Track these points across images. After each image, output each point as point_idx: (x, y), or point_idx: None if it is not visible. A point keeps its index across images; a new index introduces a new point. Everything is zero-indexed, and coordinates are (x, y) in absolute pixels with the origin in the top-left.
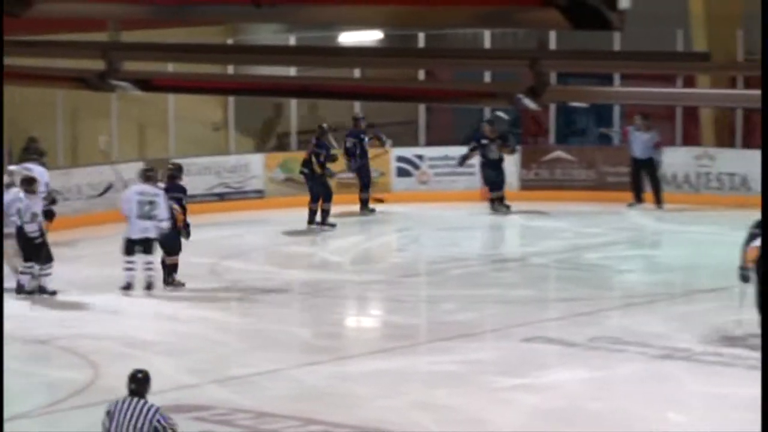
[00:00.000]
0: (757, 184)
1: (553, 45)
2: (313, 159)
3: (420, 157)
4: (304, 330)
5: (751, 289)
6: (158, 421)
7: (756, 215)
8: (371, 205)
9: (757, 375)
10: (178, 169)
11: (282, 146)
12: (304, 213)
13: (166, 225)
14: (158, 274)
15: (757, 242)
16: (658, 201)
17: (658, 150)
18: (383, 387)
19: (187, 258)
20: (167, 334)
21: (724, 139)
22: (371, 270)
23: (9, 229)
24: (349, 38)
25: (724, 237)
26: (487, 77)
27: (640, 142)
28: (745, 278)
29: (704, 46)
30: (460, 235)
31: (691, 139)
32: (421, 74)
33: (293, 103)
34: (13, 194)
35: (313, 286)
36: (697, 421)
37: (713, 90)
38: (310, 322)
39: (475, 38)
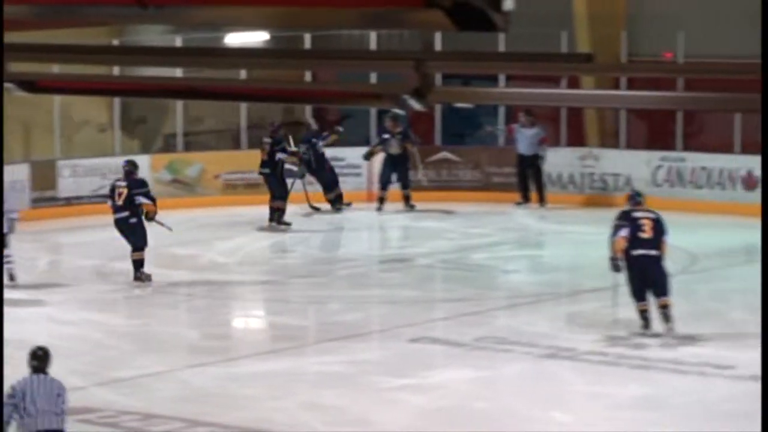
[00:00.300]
0: (639, 183)
1: (438, 46)
2: (283, 155)
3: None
4: (191, 331)
5: (622, 279)
6: (64, 395)
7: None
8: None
9: (641, 374)
10: (133, 165)
11: (168, 147)
12: (192, 214)
13: (15, 216)
14: (16, 266)
15: (623, 233)
16: (542, 200)
17: (543, 146)
18: (271, 388)
19: (74, 260)
20: (53, 337)
21: (608, 140)
22: (258, 271)
23: None
24: (235, 39)
25: (608, 237)
26: (374, 78)
27: (525, 139)
28: (616, 268)
29: (588, 47)
30: (347, 235)
31: (575, 139)
32: (308, 75)
33: (179, 104)
34: None
35: (201, 288)
36: (582, 420)
37: (597, 91)
38: (197, 323)
39: (361, 39)
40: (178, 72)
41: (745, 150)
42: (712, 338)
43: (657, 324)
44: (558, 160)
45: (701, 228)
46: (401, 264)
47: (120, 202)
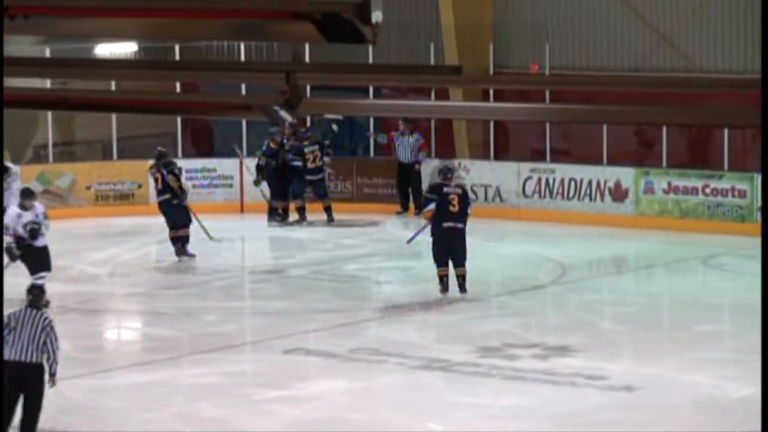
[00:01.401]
0: (509, 195)
1: (308, 58)
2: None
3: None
4: (63, 343)
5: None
6: (48, 330)
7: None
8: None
9: (514, 385)
10: (161, 153)
11: (38, 158)
12: (63, 225)
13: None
14: None
15: (431, 205)
16: (419, 208)
17: (423, 152)
18: (145, 400)
19: None
20: None
21: (478, 151)
22: (130, 282)
23: None
24: (105, 50)
25: (479, 248)
26: (243, 90)
27: (404, 146)
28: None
29: (456, 58)
30: (219, 246)
31: (445, 151)
32: (178, 87)
33: (49, 115)
34: None
35: (72, 299)
36: (457, 430)
37: (465, 102)
38: (69, 335)
39: (230, 51)
40: (47, 83)
41: (612, 161)
42: (584, 349)
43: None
44: (428, 172)
45: (571, 239)
46: (274, 275)
47: (159, 187)
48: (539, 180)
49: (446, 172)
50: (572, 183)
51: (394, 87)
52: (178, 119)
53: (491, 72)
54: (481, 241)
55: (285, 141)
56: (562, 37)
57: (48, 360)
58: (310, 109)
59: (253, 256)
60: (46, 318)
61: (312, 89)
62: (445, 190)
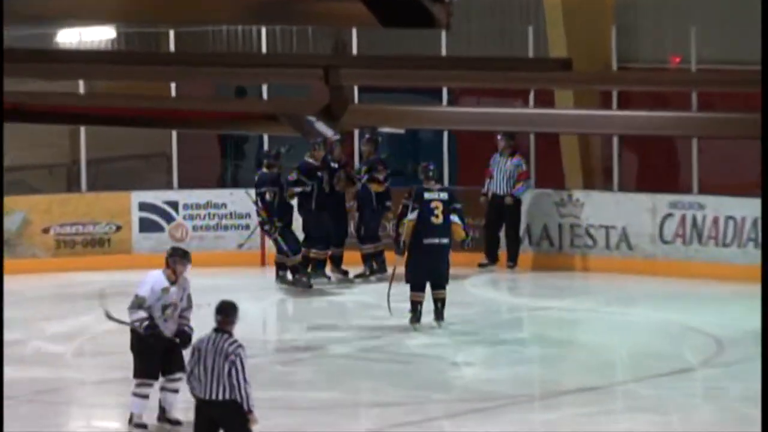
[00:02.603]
0: (640, 239)
1: (354, 48)
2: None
3: (173, 204)
4: None
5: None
6: (233, 358)
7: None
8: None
9: None
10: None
11: None
12: (12, 284)
13: None
14: None
15: (412, 215)
16: (513, 259)
17: (523, 182)
18: None
19: None
20: None
21: (595, 180)
22: (105, 365)
23: None
24: (70, 37)
25: (598, 315)
26: (266, 94)
27: (502, 172)
28: (401, 251)
29: (563, 48)
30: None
31: (550, 179)
32: (173, 89)
33: None
34: None
35: (23, 388)
36: None
37: (577, 110)
38: None
39: (247, 38)
40: None
41: None
42: None
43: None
44: (528, 207)
45: (729, 302)
46: (309, 354)
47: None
48: (683, 219)
49: (427, 172)
50: (730, 223)
51: (477, 89)
52: (173, 135)
53: (613, 67)
54: (602, 306)
55: (329, 159)
56: (714, 20)
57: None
58: (358, 120)
59: (279, 326)
60: (233, 342)
61: (361, 91)
62: (427, 196)
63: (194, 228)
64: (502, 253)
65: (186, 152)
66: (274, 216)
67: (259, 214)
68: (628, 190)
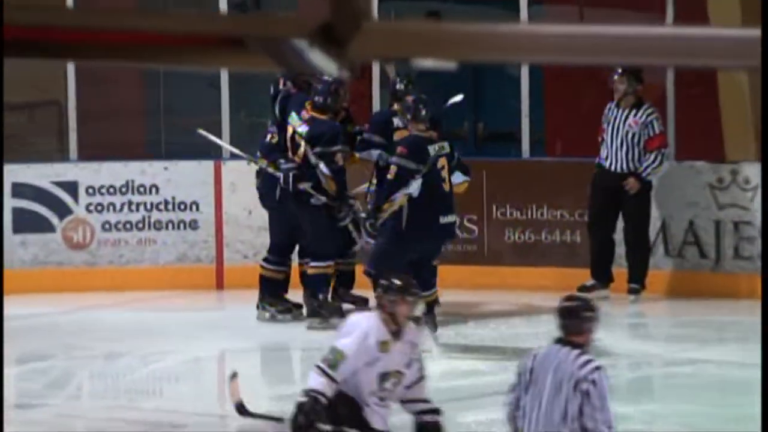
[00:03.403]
0: None
1: None
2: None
3: (69, 186)
4: None
5: None
6: (585, 390)
7: None
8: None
9: None
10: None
11: None
12: None
13: None
14: None
15: (414, 186)
16: (639, 280)
17: (659, 153)
18: None
19: None
20: None
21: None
22: None
23: None
24: None
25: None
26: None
27: (620, 134)
28: (372, 231)
29: None
30: (188, 372)
31: (698, 147)
32: None
33: None
34: None
35: None
36: None
37: (745, 30)
38: None
39: None
40: None
41: None
42: None
43: None
44: (660, 193)
45: None
46: None
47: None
48: None
49: (416, 109)
50: None
51: None
52: (70, 73)
53: None
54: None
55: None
56: None
57: None
58: (378, 48)
59: (259, 391)
60: (586, 363)
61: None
62: (432, 151)
63: (104, 227)
64: (619, 270)
65: (91, 102)
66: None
67: (328, 196)
68: None
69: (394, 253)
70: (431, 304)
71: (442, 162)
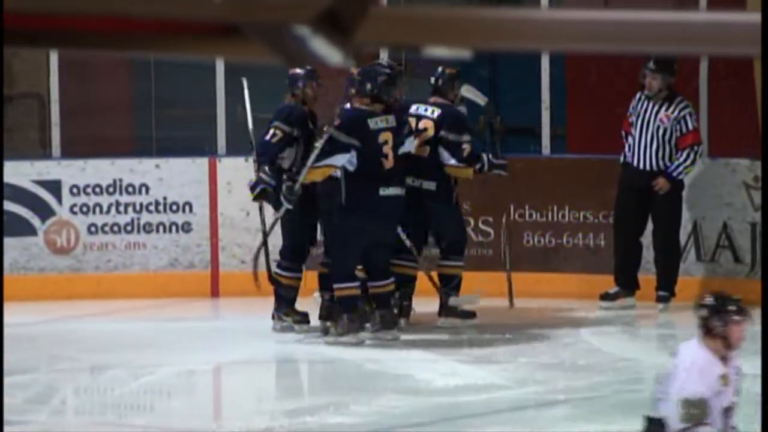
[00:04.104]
0: None
1: None
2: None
3: (52, 186)
4: None
5: None
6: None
7: None
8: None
9: None
10: None
11: None
12: None
13: None
14: None
15: (340, 158)
16: (667, 286)
17: (692, 151)
18: None
19: None
20: None
21: None
22: None
23: None
24: None
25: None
26: None
27: (651, 129)
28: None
29: None
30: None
31: (733, 143)
32: None
33: None
34: None
35: None
36: None
37: None
38: None
39: None
40: None
41: None
42: None
43: None
44: (693, 193)
45: None
46: None
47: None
48: None
49: (362, 83)
50: None
51: None
52: (52, 62)
53: None
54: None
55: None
56: None
57: None
58: (386, 36)
59: (258, 407)
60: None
61: None
62: (372, 124)
63: (90, 229)
64: (646, 276)
65: (75, 94)
66: None
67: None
68: None
69: (345, 238)
70: (385, 297)
71: (385, 136)
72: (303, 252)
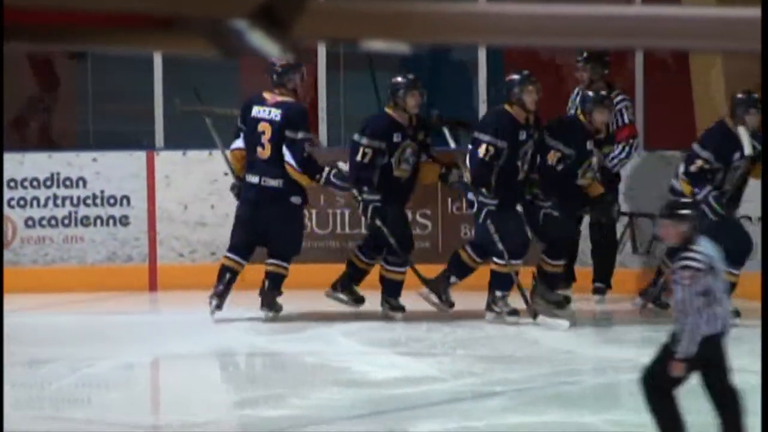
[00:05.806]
0: None
1: None
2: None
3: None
4: None
5: None
6: None
7: None
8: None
9: None
10: None
11: None
12: None
13: None
14: None
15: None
16: (603, 277)
17: (627, 144)
18: None
19: None
20: None
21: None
22: None
23: None
24: None
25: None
26: None
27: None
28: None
29: None
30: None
31: (672, 136)
32: None
33: None
34: None
35: None
36: None
37: (719, 10)
38: None
39: None
40: None
41: None
42: None
43: None
44: (630, 184)
45: None
46: None
47: None
48: None
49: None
50: None
51: None
52: None
53: None
54: None
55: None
56: None
57: None
58: (325, 29)
59: (195, 400)
60: None
61: None
62: (255, 111)
63: (27, 223)
64: (582, 269)
65: (12, 85)
66: None
67: None
68: None
69: (237, 226)
70: (276, 278)
71: (263, 127)
72: (408, 245)
